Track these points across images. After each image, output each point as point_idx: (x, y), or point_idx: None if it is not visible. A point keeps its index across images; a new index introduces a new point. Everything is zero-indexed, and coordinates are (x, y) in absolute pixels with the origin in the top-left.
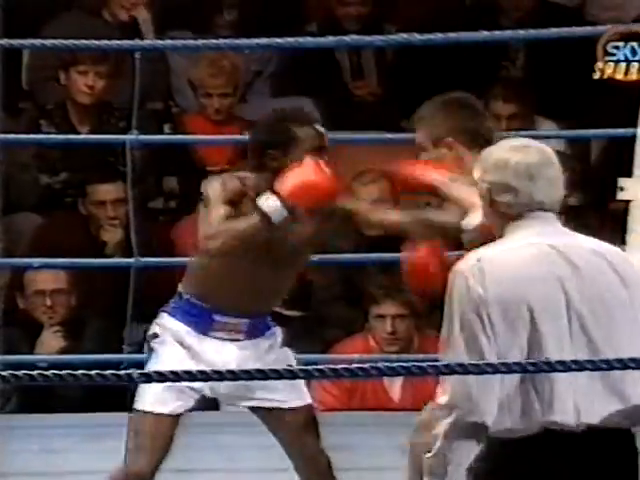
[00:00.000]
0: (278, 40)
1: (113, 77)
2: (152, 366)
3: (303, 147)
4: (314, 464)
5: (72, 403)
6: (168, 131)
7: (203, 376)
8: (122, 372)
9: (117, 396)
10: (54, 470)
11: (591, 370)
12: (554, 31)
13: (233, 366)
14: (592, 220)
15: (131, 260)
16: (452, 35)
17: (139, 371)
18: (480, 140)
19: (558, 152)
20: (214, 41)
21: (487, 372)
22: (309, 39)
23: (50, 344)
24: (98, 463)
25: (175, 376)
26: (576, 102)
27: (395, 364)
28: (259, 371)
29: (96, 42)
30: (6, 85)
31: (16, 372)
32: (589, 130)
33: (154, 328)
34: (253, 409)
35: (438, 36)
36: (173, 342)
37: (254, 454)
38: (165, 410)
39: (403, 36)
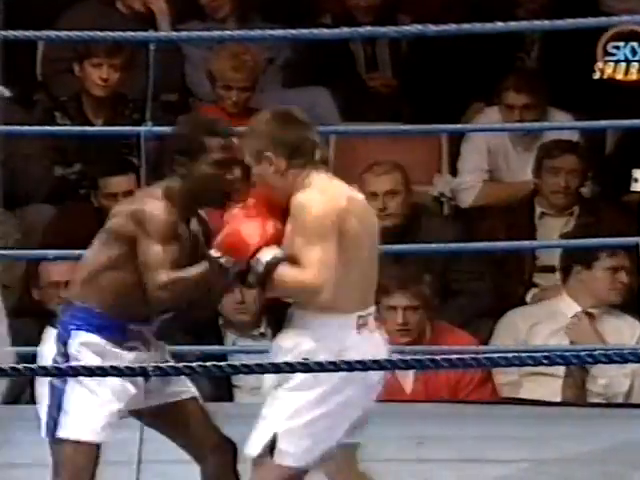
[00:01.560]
0: (293, 31)
1: (127, 69)
2: (76, 394)
3: (211, 157)
4: (223, 451)
5: None
6: None
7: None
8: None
9: None
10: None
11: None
12: (569, 22)
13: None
14: (606, 211)
15: None
16: (466, 26)
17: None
18: (302, 153)
19: (573, 143)
20: (229, 32)
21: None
22: (324, 30)
23: None
24: (114, 454)
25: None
26: (591, 93)
27: (408, 357)
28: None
29: (111, 34)
30: (21, 77)
31: (30, 364)
32: (603, 121)
33: (72, 347)
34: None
35: (452, 27)
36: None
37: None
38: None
39: (417, 27)
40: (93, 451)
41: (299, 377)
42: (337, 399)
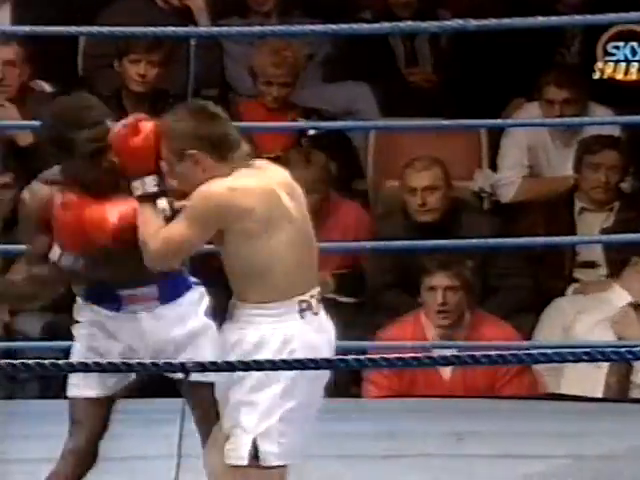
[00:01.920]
0: (333, 27)
1: (165, 65)
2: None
3: (83, 151)
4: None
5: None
6: None
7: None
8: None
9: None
10: (111, 455)
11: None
12: (611, 16)
13: (148, 336)
14: None
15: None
16: (507, 21)
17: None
18: (226, 148)
19: (613, 138)
20: (269, 28)
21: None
22: (364, 26)
23: None
24: (155, 449)
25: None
26: (632, 88)
27: (448, 353)
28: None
29: (152, 29)
30: (62, 72)
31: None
32: None
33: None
34: None
35: (493, 22)
36: (89, 326)
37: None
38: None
39: (458, 22)
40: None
41: (254, 376)
42: (300, 388)
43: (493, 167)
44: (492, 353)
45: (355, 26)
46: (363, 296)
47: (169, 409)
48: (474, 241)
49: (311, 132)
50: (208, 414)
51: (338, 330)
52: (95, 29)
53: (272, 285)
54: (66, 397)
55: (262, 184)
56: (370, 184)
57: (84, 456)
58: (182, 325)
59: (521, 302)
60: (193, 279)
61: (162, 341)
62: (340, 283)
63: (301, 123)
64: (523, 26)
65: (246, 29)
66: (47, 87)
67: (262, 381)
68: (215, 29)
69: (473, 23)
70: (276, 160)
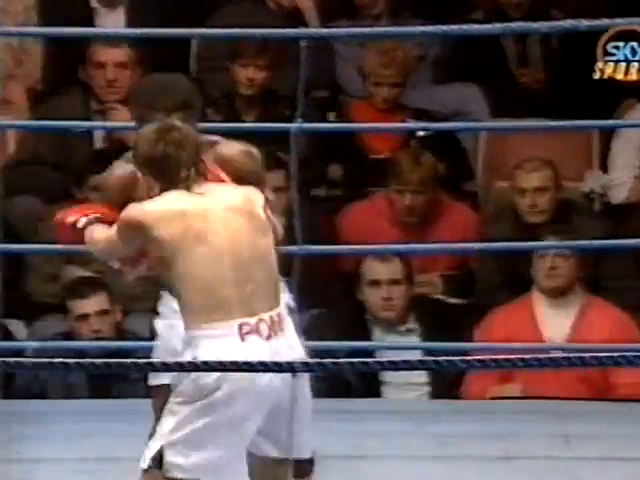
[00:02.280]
0: (443, 27)
1: (274, 68)
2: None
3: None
4: None
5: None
6: (332, 119)
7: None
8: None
9: None
10: None
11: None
12: None
13: None
14: None
15: (294, 248)
16: (619, 20)
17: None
18: (166, 173)
19: None
20: (380, 29)
21: None
22: (474, 26)
23: None
24: None
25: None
26: None
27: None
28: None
29: (262, 31)
30: (174, 72)
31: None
32: None
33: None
34: None
35: (605, 21)
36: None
37: (413, 440)
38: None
39: (570, 22)
40: None
41: (182, 388)
42: (223, 410)
43: (604, 168)
44: (601, 355)
45: (465, 27)
46: (472, 297)
47: None
48: (584, 243)
49: (420, 133)
50: None
51: (446, 331)
52: (206, 31)
53: (199, 305)
54: None
55: (175, 207)
56: (480, 185)
57: None
58: None
59: (632, 305)
60: None
61: None
62: (449, 284)
63: (411, 124)
64: (635, 25)
65: (356, 30)
66: None
67: (188, 396)
68: (325, 30)
69: (585, 23)
70: (385, 161)
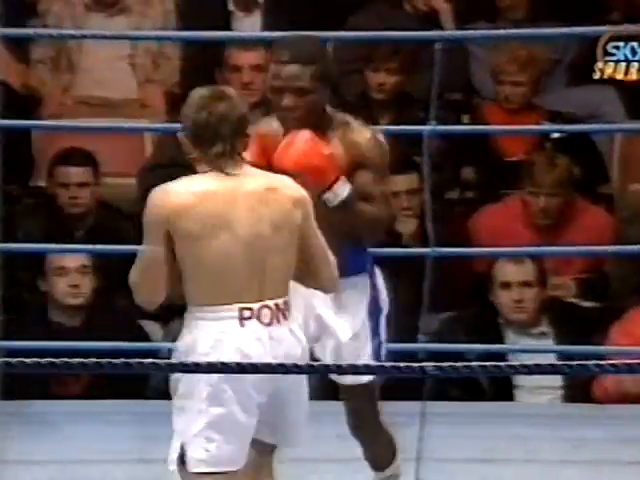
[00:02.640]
0: (578, 29)
1: (406, 72)
2: None
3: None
4: None
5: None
6: (466, 121)
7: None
8: (416, 364)
9: (411, 387)
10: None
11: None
12: None
13: None
14: None
15: (427, 250)
16: None
17: (433, 363)
18: (202, 141)
19: None
20: (515, 31)
21: None
22: (610, 28)
23: None
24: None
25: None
26: None
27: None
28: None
29: (397, 33)
30: None
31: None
32: None
33: None
34: None
35: None
36: None
37: (546, 444)
38: None
39: None
40: None
41: (185, 381)
42: (224, 396)
43: None
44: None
45: (603, 28)
46: (606, 301)
47: (408, 412)
48: None
49: (555, 135)
50: (359, 416)
51: (579, 334)
52: (342, 34)
53: (206, 288)
54: None
55: (202, 188)
56: (615, 188)
57: None
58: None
59: None
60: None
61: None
62: (583, 287)
63: (545, 126)
64: None
65: (492, 32)
66: None
67: (191, 387)
68: (460, 32)
69: None
70: (519, 164)
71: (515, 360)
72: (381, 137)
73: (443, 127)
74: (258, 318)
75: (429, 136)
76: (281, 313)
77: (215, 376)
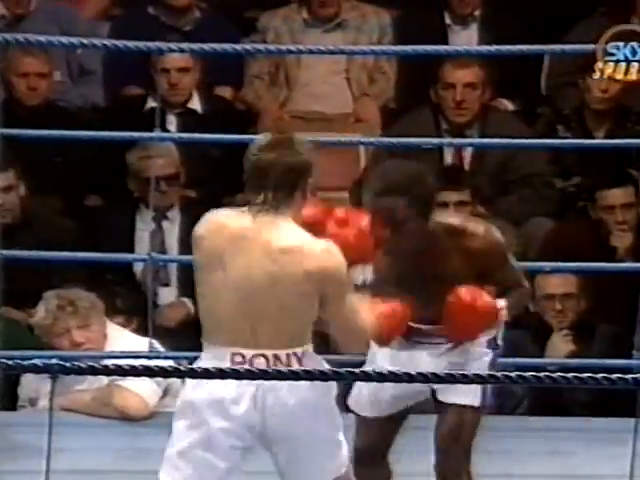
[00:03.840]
0: None
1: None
2: None
3: None
4: None
5: (581, 407)
6: None
7: None
8: (629, 376)
9: (626, 402)
10: (562, 473)
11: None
12: None
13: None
14: None
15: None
16: None
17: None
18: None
19: None
20: None
21: None
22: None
23: (559, 347)
24: (604, 468)
25: None
26: None
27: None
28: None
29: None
30: (525, 90)
31: (524, 374)
32: None
33: None
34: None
35: None
36: None
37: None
38: None
39: None
40: None
41: (177, 405)
42: (206, 428)
43: None
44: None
45: None
46: None
47: (620, 428)
48: None
49: None
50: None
51: None
52: (561, 47)
53: (204, 324)
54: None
55: (219, 222)
56: None
57: (354, 462)
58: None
59: None
60: None
61: None
62: None
63: None
64: None
65: None
66: (510, 105)
67: (178, 412)
68: None
69: None
70: None
71: None
72: (493, 229)
73: None
74: (250, 366)
75: None
76: (282, 365)
77: (204, 407)
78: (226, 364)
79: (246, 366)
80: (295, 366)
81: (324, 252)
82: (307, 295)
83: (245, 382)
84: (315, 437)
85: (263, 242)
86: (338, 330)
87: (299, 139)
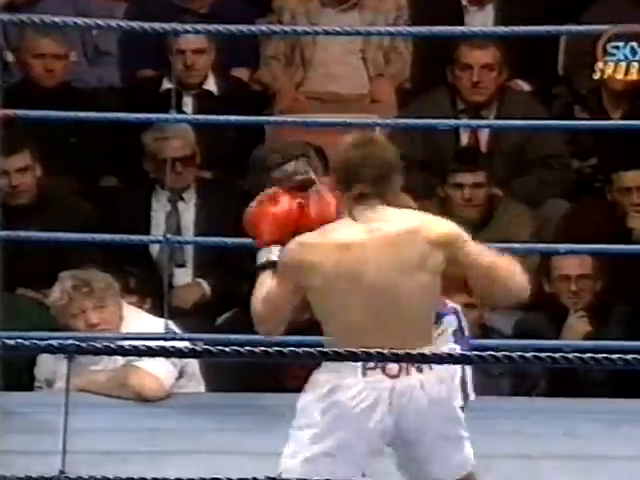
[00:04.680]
0: None
1: None
2: None
3: None
4: None
5: (597, 388)
6: None
7: None
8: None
9: None
10: (578, 453)
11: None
12: None
13: None
14: None
15: None
16: None
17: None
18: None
19: None
20: None
21: None
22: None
23: (575, 329)
24: (618, 449)
25: None
26: None
27: None
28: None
29: (630, 25)
30: (542, 71)
31: (540, 354)
32: None
33: None
34: None
35: None
36: None
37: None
38: None
39: None
40: None
41: (300, 417)
42: (331, 440)
43: None
44: None
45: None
46: None
47: (638, 409)
48: None
49: None
50: None
51: None
52: (576, 28)
53: (332, 340)
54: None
55: (334, 243)
56: None
57: None
58: None
59: None
60: None
61: None
62: None
63: None
64: None
65: None
66: (526, 86)
67: (301, 423)
68: None
69: None
70: None
71: None
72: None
73: None
74: (382, 368)
75: None
76: (413, 365)
77: (328, 418)
78: (357, 368)
79: (378, 370)
80: (425, 368)
81: (439, 221)
82: (439, 273)
83: (380, 386)
84: (442, 434)
85: (382, 237)
86: (489, 280)
87: (380, 137)
